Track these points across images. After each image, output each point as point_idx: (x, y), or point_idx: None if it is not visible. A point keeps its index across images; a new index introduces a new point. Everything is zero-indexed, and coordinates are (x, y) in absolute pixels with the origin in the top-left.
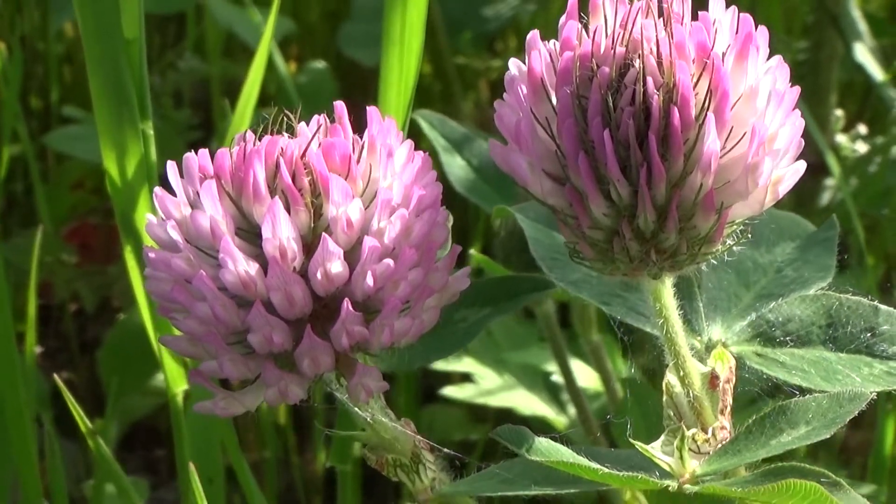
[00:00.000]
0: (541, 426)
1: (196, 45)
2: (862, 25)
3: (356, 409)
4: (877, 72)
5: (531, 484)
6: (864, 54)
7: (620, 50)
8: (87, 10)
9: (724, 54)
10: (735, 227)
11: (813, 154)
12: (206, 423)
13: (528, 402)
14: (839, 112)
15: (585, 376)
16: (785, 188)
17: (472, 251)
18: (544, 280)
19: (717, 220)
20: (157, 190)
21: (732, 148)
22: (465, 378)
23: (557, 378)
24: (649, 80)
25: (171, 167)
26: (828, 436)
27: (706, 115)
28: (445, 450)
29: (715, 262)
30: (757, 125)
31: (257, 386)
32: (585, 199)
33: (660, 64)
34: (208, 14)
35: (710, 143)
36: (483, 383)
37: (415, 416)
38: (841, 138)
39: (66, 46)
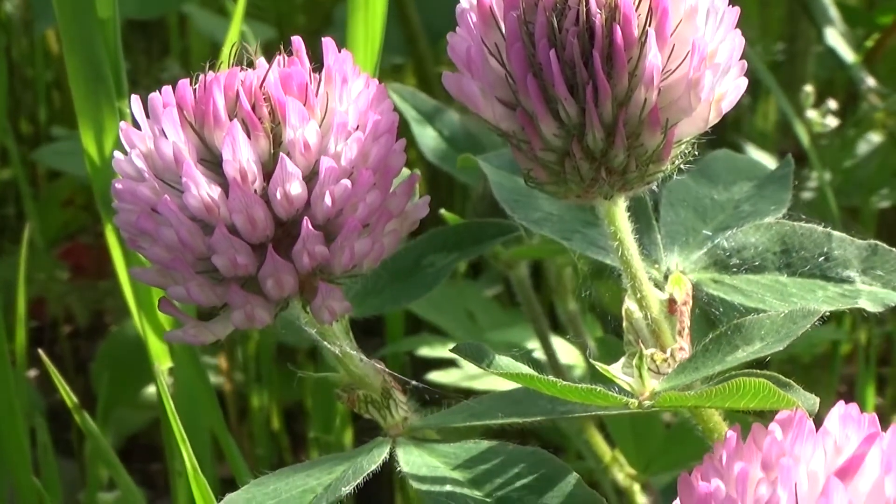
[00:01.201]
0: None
1: (182, 59)
2: (833, 11)
3: (326, 342)
4: (847, 54)
5: (498, 414)
6: (835, 38)
7: None
8: None
9: None
10: (683, 146)
11: (792, 144)
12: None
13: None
14: (809, 88)
15: (567, 353)
16: (728, 104)
17: (443, 210)
18: (509, 224)
19: (664, 138)
20: (123, 124)
21: (676, 68)
22: (451, 364)
23: (540, 355)
24: (592, 1)
25: (135, 103)
26: (780, 349)
27: (647, 31)
28: (414, 382)
29: (673, 201)
30: (697, 41)
31: (225, 315)
32: (536, 120)
33: None
34: (192, 26)
35: (652, 57)
36: (468, 368)
37: None
38: (812, 114)
39: (54, 72)
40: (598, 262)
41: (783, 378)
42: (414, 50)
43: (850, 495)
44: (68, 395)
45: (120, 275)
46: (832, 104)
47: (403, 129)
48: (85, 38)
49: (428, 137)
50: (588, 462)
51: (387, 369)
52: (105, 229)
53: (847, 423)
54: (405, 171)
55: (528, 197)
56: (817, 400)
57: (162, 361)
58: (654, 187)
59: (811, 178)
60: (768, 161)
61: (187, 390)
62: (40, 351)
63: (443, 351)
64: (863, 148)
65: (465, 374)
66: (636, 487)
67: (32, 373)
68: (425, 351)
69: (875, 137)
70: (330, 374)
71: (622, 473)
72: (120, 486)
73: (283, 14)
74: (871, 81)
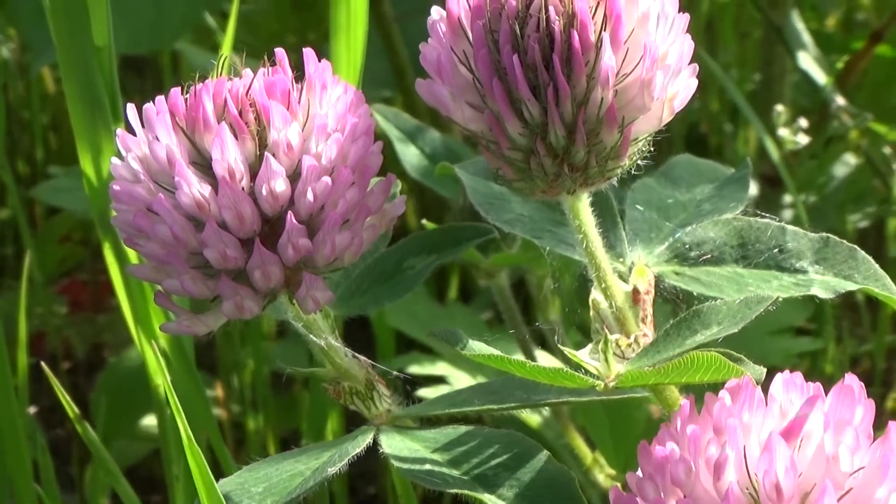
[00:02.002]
0: (515, 424)
1: None
2: (806, 36)
3: (312, 336)
4: (820, 76)
5: (474, 401)
6: (807, 61)
7: None
8: (60, 20)
9: None
10: (640, 144)
11: (770, 166)
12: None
13: None
14: (780, 108)
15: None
16: (680, 103)
17: (424, 220)
18: (484, 227)
19: (621, 135)
20: (119, 131)
21: (631, 71)
22: (440, 381)
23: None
24: (551, 8)
25: (130, 110)
26: (736, 330)
27: (602, 36)
28: (395, 372)
29: (638, 201)
30: (648, 44)
31: (217, 308)
32: (502, 121)
33: None
34: (185, 63)
35: (607, 59)
36: (457, 384)
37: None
38: (783, 132)
39: (50, 114)
40: (568, 258)
41: (734, 353)
42: (402, 83)
43: (794, 454)
44: (70, 407)
45: (118, 291)
46: (803, 122)
47: (387, 148)
48: (82, 64)
49: (411, 155)
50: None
51: (369, 360)
52: (103, 247)
53: (790, 388)
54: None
55: (501, 200)
56: (764, 370)
57: (158, 375)
58: (619, 187)
59: (787, 200)
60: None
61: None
62: (42, 363)
63: (432, 369)
64: (841, 170)
65: (453, 390)
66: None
67: (31, 409)
68: (415, 369)
69: (852, 159)
70: (318, 370)
71: (602, 474)
72: (121, 495)
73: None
74: (840, 101)
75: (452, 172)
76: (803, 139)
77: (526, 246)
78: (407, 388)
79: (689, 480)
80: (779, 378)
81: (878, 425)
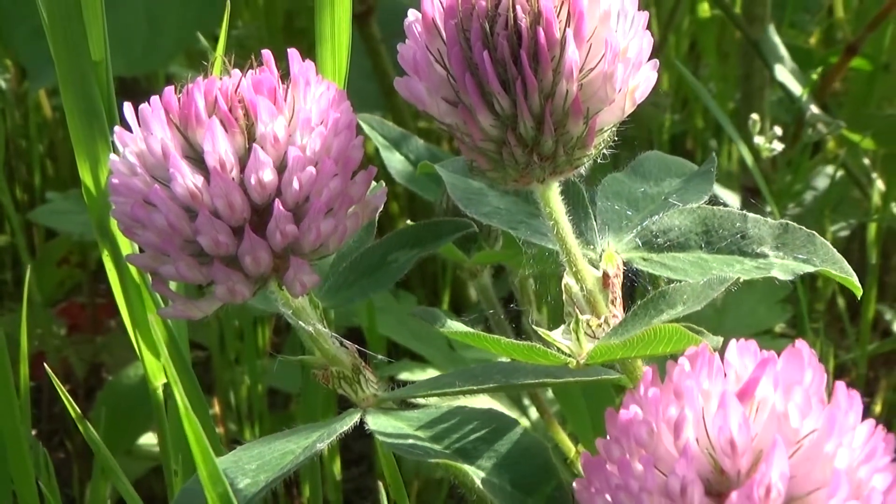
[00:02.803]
0: None
1: None
2: (782, 50)
3: (300, 322)
4: (796, 87)
5: (455, 383)
6: (783, 73)
7: None
8: (58, 36)
9: None
10: (605, 134)
11: (750, 179)
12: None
13: (489, 405)
14: (755, 116)
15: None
16: (641, 95)
17: (409, 221)
18: (463, 222)
19: (587, 126)
20: (117, 128)
21: (595, 66)
22: None
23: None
24: (518, 7)
25: (127, 109)
26: (699, 308)
27: (566, 32)
28: (380, 356)
29: (608, 194)
30: (609, 39)
31: (210, 294)
32: (475, 114)
33: None
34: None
35: (570, 53)
36: None
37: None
38: (759, 139)
39: (47, 142)
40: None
41: (694, 326)
42: (391, 102)
43: (748, 413)
44: (72, 407)
45: (116, 297)
46: (778, 130)
47: (374, 155)
48: (80, 78)
49: (396, 161)
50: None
51: (355, 345)
52: (102, 254)
53: (745, 354)
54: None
55: (479, 195)
56: (720, 340)
57: (157, 378)
58: (588, 179)
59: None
60: (733, 198)
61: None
62: (45, 365)
63: (422, 376)
64: (822, 182)
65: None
66: None
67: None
68: (405, 375)
69: (831, 170)
70: (307, 357)
71: None
72: (123, 493)
73: None
74: (815, 109)
75: (433, 171)
76: (778, 146)
77: (507, 244)
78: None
79: (652, 441)
80: (733, 344)
81: None
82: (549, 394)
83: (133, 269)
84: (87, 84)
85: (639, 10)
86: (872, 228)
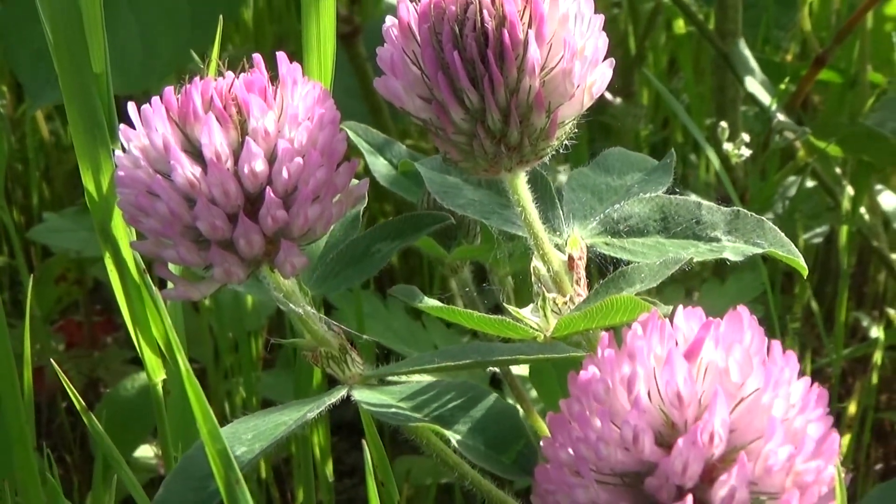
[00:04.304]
0: None
1: None
2: (753, 63)
3: (290, 304)
4: (765, 97)
5: (434, 360)
6: (753, 84)
7: None
8: (62, 51)
9: None
10: (567, 126)
11: (723, 189)
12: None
13: None
14: (724, 124)
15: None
16: (598, 90)
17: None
18: (441, 215)
19: (549, 118)
20: (122, 126)
21: (556, 64)
22: None
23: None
24: (485, 12)
25: (130, 107)
26: (654, 285)
27: (528, 33)
28: (365, 336)
29: (574, 186)
30: (567, 39)
31: (209, 277)
32: (447, 109)
33: (492, 1)
34: None
35: (532, 52)
36: None
37: (386, 468)
38: (728, 146)
39: (43, 165)
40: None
41: (647, 297)
42: (377, 119)
43: (693, 370)
44: (77, 400)
45: (117, 296)
46: (746, 137)
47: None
48: (83, 89)
49: (380, 165)
50: None
51: (342, 325)
52: (104, 256)
53: (691, 319)
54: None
55: (455, 188)
56: (669, 308)
57: (156, 374)
58: (553, 168)
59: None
60: None
61: (180, 398)
62: (52, 361)
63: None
64: (794, 192)
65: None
66: None
67: None
68: (393, 378)
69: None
70: (298, 340)
71: None
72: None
73: None
74: (782, 117)
75: (413, 168)
76: (746, 152)
77: (485, 241)
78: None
79: (608, 397)
80: (680, 310)
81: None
82: (529, 386)
83: (133, 270)
84: (89, 96)
85: (614, 24)
86: (843, 233)
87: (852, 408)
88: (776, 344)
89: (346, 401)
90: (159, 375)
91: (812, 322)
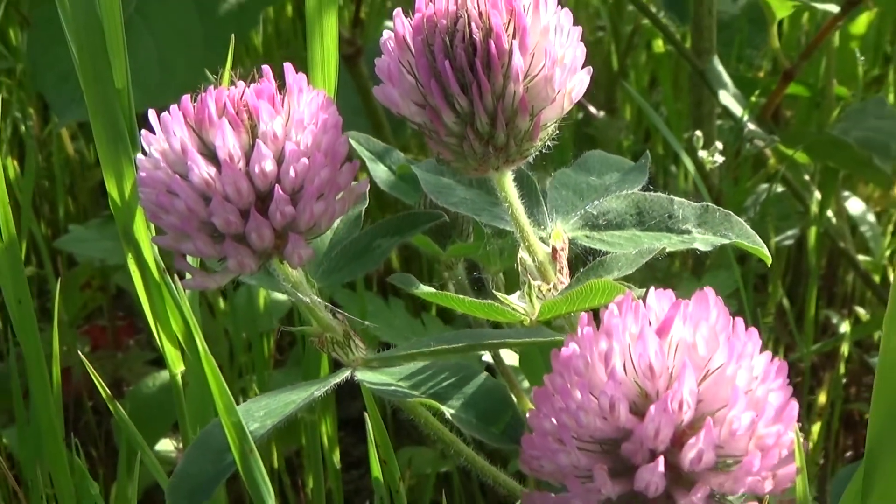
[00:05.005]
0: None
1: None
2: (726, 78)
3: (298, 294)
4: (737, 109)
5: (430, 344)
6: (726, 97)
7: (452, 8)
8: (87, 68)
9: (525, 6)
10: (549, 129)
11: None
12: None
13: None
14: (698, 133)
15: (510, 357)
16: (577, 95)
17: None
18: (436, 213)
19: (532, 121)
20: (143, 131)
21: (539, 71)
22: None
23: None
24: (473, 24)
25: (151, 114)
26: (630, 272)
27: (512, 43)
28: (367, 323)
29: (557, 185)
30: (548, 49)
31: (223, 269)
32: (439, 113)
33: (480, 14)
34: None
35: (517, 60)
36: None
37: (388, 447)
38: (703, 153)
39: (68, 182)
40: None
41: (623, 282)
42: (380, 135)
43: (664, 345)
44: (103, 388)
45: (139, 293)
46: (719, 144)
47: (362, 166)
48: (106, 103)
49: (380, 172)
50: None
51: (345, 313)
52: (127, 257)
53: (662, 299)
54: None
55: (448, 188)
56: (643, 290)
57: (176, 366)
58: (542, 178)
59: None
60: None
61: (199, 388)
62: (81, 355)
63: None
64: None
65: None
66: None
67: None
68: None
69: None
70: (306, 328)
71: None
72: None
73: None
74: (752, 126)
75: (410, 171)
76: (720, 158)
77: (477, 239)
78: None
79: (587, 371)
80: (652, 292)
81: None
82: (521, 378)
83: (153, 269)
84: (112, 109)
85: (597, 44)
86: (812, 234)
87: (822, 398)
88: (740, 321)
89: (353, 398)
90: (179, 367)
91: (785, 320)
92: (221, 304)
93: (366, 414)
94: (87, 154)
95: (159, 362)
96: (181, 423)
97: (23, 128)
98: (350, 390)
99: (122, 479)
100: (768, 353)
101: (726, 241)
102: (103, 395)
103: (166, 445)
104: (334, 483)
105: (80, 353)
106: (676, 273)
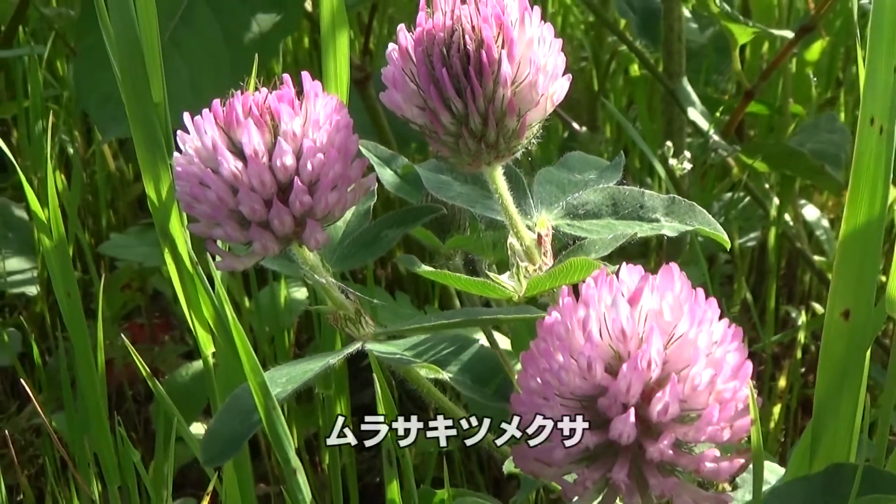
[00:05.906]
0: None
1: None
2: (694, 97)
3: (315, 275)
4: (704, 123)
5: (431, 320)
6: (694, 114)
7: (449, 23)
8: (128, 85)
9: (512, 21)
10: (534, 128)
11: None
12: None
13: None
14: (669, 143)
15: (505, 341)
16: (558, 98)
17: None
18: (435, 207)
19: (519, 121)
20: (179, 132)
21: (525, 78)
22: None
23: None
24: (467, 37)
25: (185, 117)
26: (605, 254)
27: (501, 53)
28: (375, 301)
29: (542, 181)
30: (533, 58)
31: (249, 252)
32: (438, 115)
33: (473, 28)
34: None
35: (505, 68)
36: None
37: (392, 408)
38: (673, 161)
39: (110, 196)
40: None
41: (599, 260)
42: None
43: (635, 311)
44: (143, 367)
45: (174, 282)
46: (688, 154)
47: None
48: (145, 116)
49: (387, 175)
50: None
51: (356, 292)
52: (163, 251)
53: (632, 273)
54: None
55: (446, 184)
56: (616, 266)
57: (207, 347)
58: (525, 165)
59: None
60: None
61: (227, 367)
62: (122, 336)
63: None
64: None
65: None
66: None
67: None
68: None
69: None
70: (321, 307)
71: None
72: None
73: None
74: (716, 137)
75: (414, 172)
76: (688, 165)
77: (473, 232)
78: None
79: (568, 336)
80: (625, 267)
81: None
82: (515, 362)
83: (187, 262)
84: (150, 121)
85: (578, 66)
86: (772, 236)
87: (782, 383)
88: (701, 291)
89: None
90: (209, 349)
91: (749, 315)
92: (246, 302)
93: (375, 383)
94: (127, 171)
95: (191, 355)
96: (212, 398)
97: (69, 148)
98: (362, 381)
99: (158, 457)
100: (726, 320)
101: (691, 228)
102: (143, 373)
103: (198, 429)
104: (348, 460)
105: (125, 340)
106: (651, 270)
